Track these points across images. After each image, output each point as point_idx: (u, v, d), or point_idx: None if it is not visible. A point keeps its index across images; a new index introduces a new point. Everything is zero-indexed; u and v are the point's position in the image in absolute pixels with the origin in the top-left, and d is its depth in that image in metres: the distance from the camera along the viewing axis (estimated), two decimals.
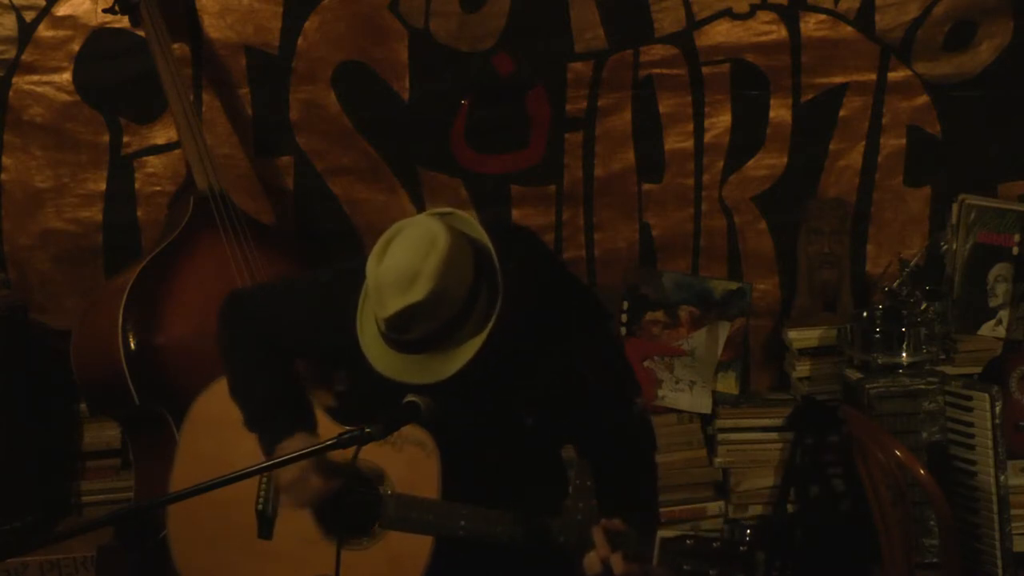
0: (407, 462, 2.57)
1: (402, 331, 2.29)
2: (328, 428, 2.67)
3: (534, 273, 2.52)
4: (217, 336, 2.76)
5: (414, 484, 2.58)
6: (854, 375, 3.71)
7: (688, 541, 2.30)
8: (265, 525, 2.72)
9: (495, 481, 2.55)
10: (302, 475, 2.51)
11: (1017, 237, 3.83)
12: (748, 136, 3.97)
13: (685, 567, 2.29)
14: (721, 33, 3.90)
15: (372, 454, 2.29)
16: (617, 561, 2.34)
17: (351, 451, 2.29)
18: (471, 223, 2.40)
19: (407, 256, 2.26)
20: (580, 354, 2.55)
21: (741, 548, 2.26)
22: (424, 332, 2.28)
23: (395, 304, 2.25)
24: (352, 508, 2.61)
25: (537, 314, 2.49)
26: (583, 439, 2.66)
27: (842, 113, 3.96)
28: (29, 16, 3.76)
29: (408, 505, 2.55)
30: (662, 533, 2.35)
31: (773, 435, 3.84)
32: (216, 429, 2.76)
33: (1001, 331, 3.83)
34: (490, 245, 2.36)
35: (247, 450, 2.62)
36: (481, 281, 2.31)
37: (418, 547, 2.57)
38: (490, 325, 2.30)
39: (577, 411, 2.57)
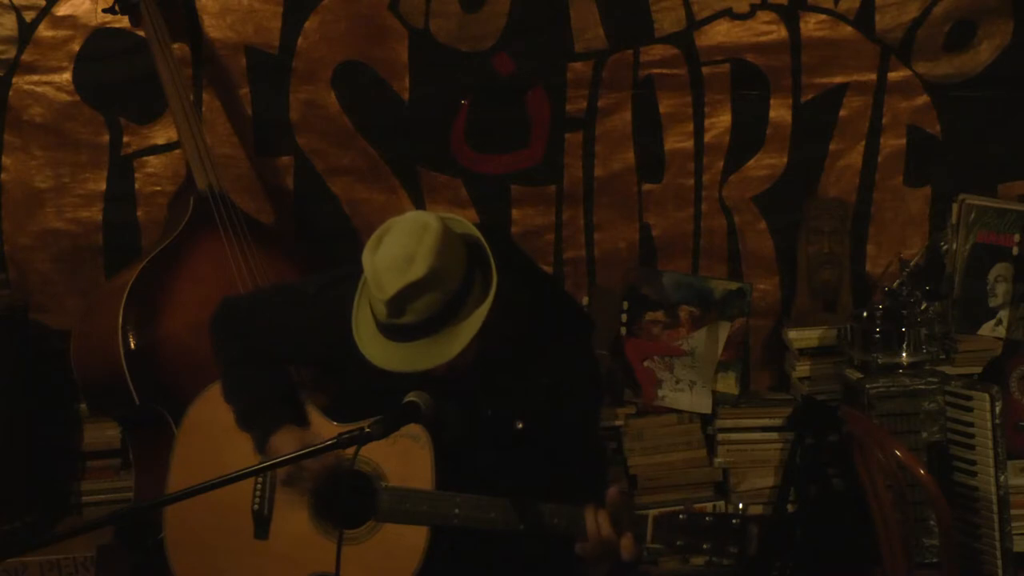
0: (400, 455, 2.58)
1: (402, 312, 2.31)
2: (325, 428, 2.68)
3: (522, 284, 2.55)
4: (210, 342, 2.79)
5: (408, 476, 2.59)
6: (854, 375, 3.71)
7: (681, 516, 2.32)
8: (261, 525, 2.73)
9: (489, 473, 2.56)
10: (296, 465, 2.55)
11: (1017, 237, 3.83)
12: (748, 136, 3.97)
13: (679, 542, 2.32)
14: (721, 33, 3.90)
15: (365, 448, 2.32)
16: (627, 544, 2.36)
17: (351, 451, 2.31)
18: (459, 220, 2.45)
19: (402, 241, 2.32)
20: (563, 370, 2.57)
21: (733, 521, 2.29)
22: (424, 312, 2.31)
23: (395, 284, 2.29)
24: (347, 502, 2.62)
25: (528, 316, 2.52)
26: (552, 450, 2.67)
27: (842, 113, 3.96)
28: (29, 16, 3.76)
29: (402, 497, 2.57)
30: (654, 511, 2.38)
31: (773, 435, 3.85)
32: (210, 435, 2.77)
33: (1001, 331, 3.83)
34: (480, 235, 2.41)
35: (241, 455, 2.63)
36: (474, 266, 2.36)
37: (414, 538, 2.58)
38: (488, 303, 2.34)
39: (549, 422, 2.57)
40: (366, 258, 2.34)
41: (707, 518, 2.30)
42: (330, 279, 2.64)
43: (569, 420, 2.59)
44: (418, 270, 2.28)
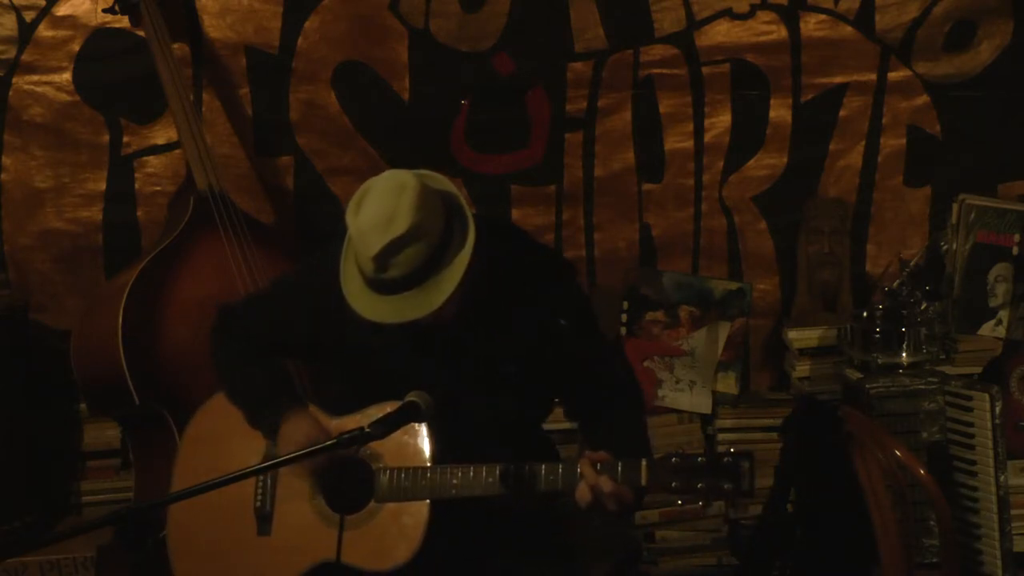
0: (396, 437, 2.59)
1: (387, 267, 2.40)
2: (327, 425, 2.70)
3: (498, 236, 2.61)
4: (210, 350, 2.82)
5: (405, 457, 2.62)
6: (854, 375, 3.70)
7: (674, 459, 2.38)
8: (264, 522, 2.74)
9: (484, 453, 2.59)
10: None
11: (1017, 237, 3.83)
12: (748, 136, 3.98)
13: (673, 483, 2.37)
14: (721, 33, 3.90)
15: None
16: (605, 481, 2.41)
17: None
18: (436, 177, 2.55)
19: (382, 200, 2.42)
20: (554, 307, 2.64)
21: (725, 460, 2.33)
22: (408, 265, 2.40)
23: (379, 241, 2.38)
24: (347, 486, 2.66)
25: (509, 274, 2.60)
26: (568, 393, 2.76)
27: (842, 113, 3.97)
28: (29, 16, 3.76)
29: (400, 475, 2.61)
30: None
31: (773, 435, 3.84)
32: (212, 448, 2.79)
33: (1001, 331, 3.83)
34: (456, 191, 2.53)
35: (243, 462, 2.64)
36: (453, 218, 2.46)
37: (413, 519, 2.61)
38: (468, 250, 2.43)
39: (558, 363, 2.64)
40: (349, 219, 2.44)
41: (699, 459, 2.36)
42: (316, 257, 2.73)
43: (573, 352, 2.66)
44: (400, 226, 2.37)
